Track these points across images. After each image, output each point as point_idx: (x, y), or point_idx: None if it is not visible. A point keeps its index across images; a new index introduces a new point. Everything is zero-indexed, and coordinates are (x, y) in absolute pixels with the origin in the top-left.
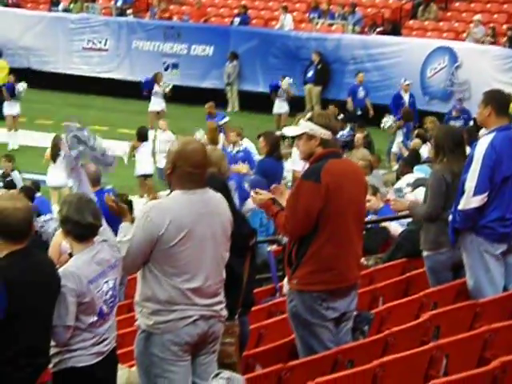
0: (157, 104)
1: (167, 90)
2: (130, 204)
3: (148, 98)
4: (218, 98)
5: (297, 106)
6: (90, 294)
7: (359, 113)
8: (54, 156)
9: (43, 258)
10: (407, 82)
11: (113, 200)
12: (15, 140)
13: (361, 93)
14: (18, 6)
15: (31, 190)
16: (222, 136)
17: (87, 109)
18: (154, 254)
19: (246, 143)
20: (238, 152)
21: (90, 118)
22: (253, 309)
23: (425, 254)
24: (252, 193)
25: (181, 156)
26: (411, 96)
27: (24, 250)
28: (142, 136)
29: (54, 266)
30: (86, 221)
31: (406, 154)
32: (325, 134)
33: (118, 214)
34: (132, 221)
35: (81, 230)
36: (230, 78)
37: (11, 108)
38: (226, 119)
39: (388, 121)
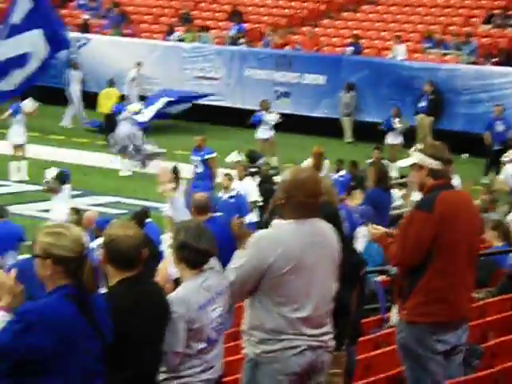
0: (263, 131)
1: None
2: None
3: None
4: (329, 127)
5: (410, 136)
6: (199, 320)
7: (496, 148)
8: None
9: (153, 285)
10: None
11: (238, 224)
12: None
13: (499, 127)
14: (133, 35)
15: (143, 216)
16: (326, 162)
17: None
18: (263, 282)
19: (243, 185)
20: (230, 197)
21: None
22: (360, 339)
23: None
24: (369, 226)
25: (295, 185)
26: None
27: (134, 278)
28: (253, 160)
29: (163, 294)
30: (203, 247)
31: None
32: (432, 163)
33: (239, 239)
34: None
35: (197, 256)
36: (348, 108)
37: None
38: (213, 155)
39: (510, 155)
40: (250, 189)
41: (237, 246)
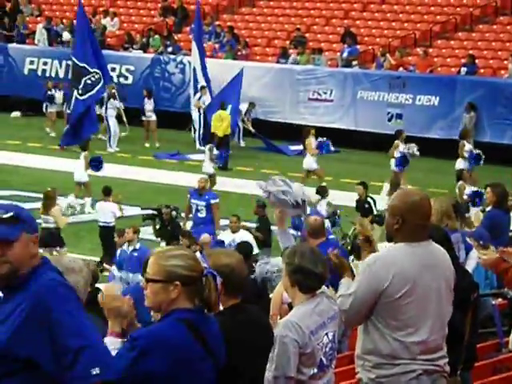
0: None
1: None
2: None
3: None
4: (443, 148)
5: None
6: (311, 345)
7: None
8: None
9: (257, 313)
10: None
11: (335, 254)
12: None
13: None
14: (246, 58)
15: (248, 247)
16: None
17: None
18: (377, 307)
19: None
20: (133, 251)
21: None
22: (476, 364)
23: None
24: (478, 252)
25: (411, 209)
26: None
27: (240, 305)
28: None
29: (267, 321)
30: (319, 271)
31: None
32: None
33: (339, 268)
34: (352, 277)
35: (312, 280)
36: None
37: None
38: (217, 200)
39: None
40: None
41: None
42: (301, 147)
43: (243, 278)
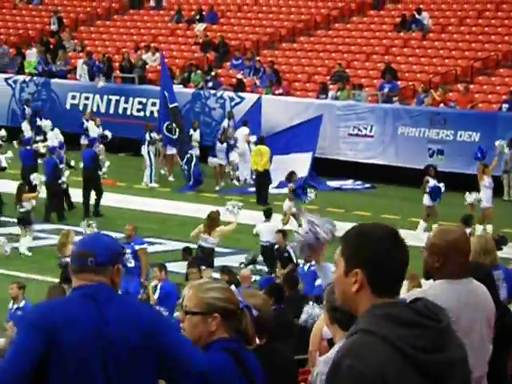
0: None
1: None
2: None
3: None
4: None
5: None
6: None
7: None
8: None
9: (282, 354)
10: None
11: None
12: None
13: None
14: (285, 94)
15: (279, 289)
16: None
17: (348, 194)
18: None
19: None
20: (17, 309)
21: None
22: None
23: None
24: None
25: (452, 247)
26: None
27: (266, 346)
28: None
29: (292, 363)
30: None
31: None
32: None
33: None
34: None
35: (350, 319)
36: (507, 165)
37: None
38: (144, 245)
39: None
40: None
41: None
42: (340, 183)
43: (269, 319)
